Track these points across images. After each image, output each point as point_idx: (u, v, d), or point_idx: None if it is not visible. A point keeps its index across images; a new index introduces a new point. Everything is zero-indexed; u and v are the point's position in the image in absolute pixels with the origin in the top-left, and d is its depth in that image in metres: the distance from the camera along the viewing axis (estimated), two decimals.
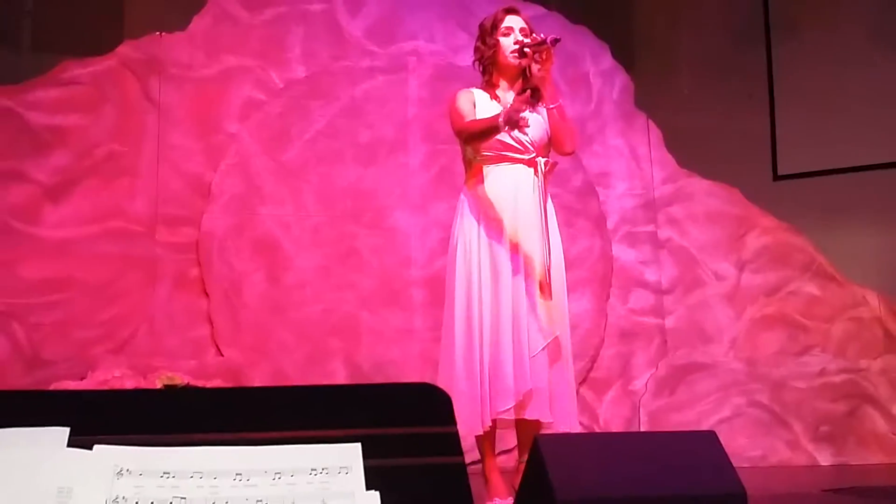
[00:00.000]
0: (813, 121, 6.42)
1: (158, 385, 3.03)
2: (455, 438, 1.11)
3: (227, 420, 1.07)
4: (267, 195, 4.45)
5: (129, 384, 3.08)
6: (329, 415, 1.08)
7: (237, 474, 1.02)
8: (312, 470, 1.02)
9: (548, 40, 3.06)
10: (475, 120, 3.13)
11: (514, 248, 3.11)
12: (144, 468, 1.04)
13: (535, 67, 3.11)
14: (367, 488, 1.02)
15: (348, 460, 1.03)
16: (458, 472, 1.11)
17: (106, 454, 1.06)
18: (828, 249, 5.02)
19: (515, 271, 3.10)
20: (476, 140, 3.14)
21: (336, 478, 1.01)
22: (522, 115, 2.94)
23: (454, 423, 1.12)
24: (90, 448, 1.07)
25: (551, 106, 3.13)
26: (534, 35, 3.15)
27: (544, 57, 3.08)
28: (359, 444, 1.03)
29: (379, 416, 1.07)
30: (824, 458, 4.53)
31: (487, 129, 3.06)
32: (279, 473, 1.02)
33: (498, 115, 3.00)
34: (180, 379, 3.10)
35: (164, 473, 1.04)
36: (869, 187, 6.07)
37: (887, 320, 4.78)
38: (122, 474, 1.04)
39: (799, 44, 6.55)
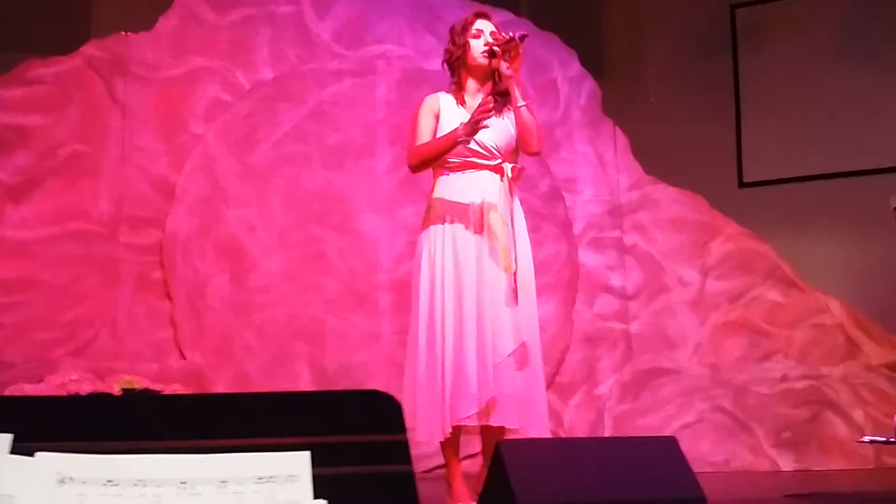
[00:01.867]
0: (778, 129, 6.49)
1: (116, 389, 2.99)
2: (404, 446, 1.10)
3: (173, 427, 1.06)
4: (232, 197, 4.41)
5: (86, 388, 3.04)
6: (278, 422, 1.07)
7: (182, 483, 1.01)
8: (259, 478, 1.01)
9: (516, 36, 3.07)
10: (433, 142, 3.14)
11: (480, 254, 3.11)
12: (87, 476, 1.03)
13: (503, 66, 3.11)
14: (316, 497, 1.01)
15: (296, 469, 1.02)
16: (407, 481, 1.10)
17: (48, 461, 1.04)
18: (791, 256, 5.07)
19: (480, 278, 3.09)
20: (432, 163, 3.16)
21: (283, 486, 1.00)
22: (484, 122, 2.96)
23: (404, 430, 1.12)
24: (32, 455, 1.06)
25: (520, 104, 3.13)
26: (502, 34, 3.16)
27: (513, 55, 3.09)
28: (307, 453, 1.02)
29: (329, 423, 1.06)
30: (786, 464, 4.57)
31: (448, 148, 3.10)
32: (225, 482, 1.01)
33: (456, 130, 3.03)
34: (138, 383, 3.06)
35: (108, 481, 1.02)
36: (833, 195, 6.14)
37: (849, 327, 4.83)
38: (64, 482, 1.03)
39: (765, 53, 6.62)
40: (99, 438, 1.07)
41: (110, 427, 1.10)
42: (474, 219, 3.12)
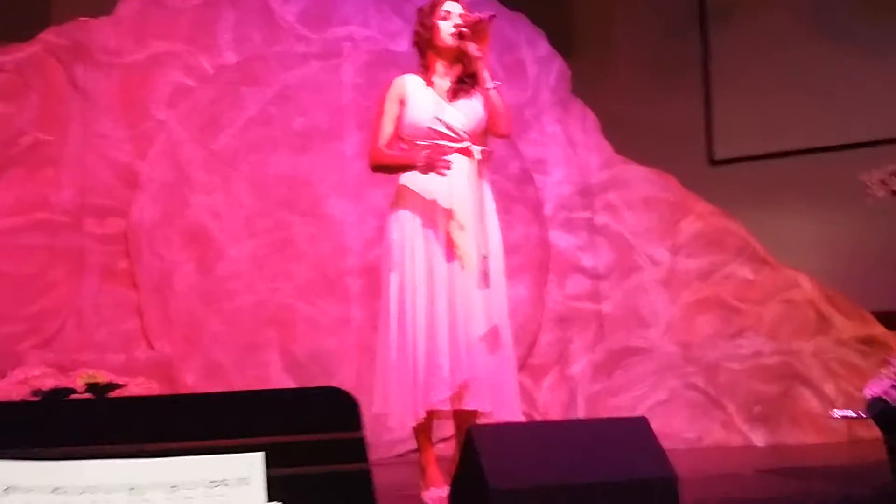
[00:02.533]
0: (749, 106, 6.50)
1: (80, 384, 2.95)
2: (361, 444, 1.07)
3: (123, 431, 1.02)
4: (198, 184, 4.35)
5: (49, 383, 2.99)
6: (231, 423, 1.04)
7: (131, 489, 0.98)
8: (211, 482, 0.98)
9: (484, 17, 3.05)
10: (394, 157, 3.15)
11: (450, 238, 3.09)
12: (34, 484, 0.99)
13: (472, 47, 3.08)
14: (270, 499, 0.98)
15: (249, 471, 0.99)
16: (363, 479, 1.08)
17: None
18: (761, 233, 5.09)
19: (450, 261, 3.08)
20: (385, 170, 3.20)
21: (235, 490, 0.97)
22: (445, 157, 3.00)
23: (361, 427, 1.09)
24: None
25: (490, 86, 3.10)
26: (470, 15, 3.13)
27: (481, 36, 3.07)
28: (260, 454, 0.99)
29: (284, 422, 1.04)
30: (758, 439, 4.60)
31: (402, 168, 3.13)
32: (175, 487, 0.98)
33: (417, 158, 3.04)
34: (102, 377, 3.01)
35: (55, 489, 0.98)
36: (802, 171, 6.18)
37: (819, 302, 4.86)
38: (10, 491, 0.99)
39: (734, 30, 6.62)
40: (45, 444, 1.03)
41: (58, 432, 1.06)
42: (443, 203, 3.10)
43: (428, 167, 3.02)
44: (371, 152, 3.21)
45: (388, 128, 3.17)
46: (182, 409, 1.09)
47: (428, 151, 3.03)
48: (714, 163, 6.54)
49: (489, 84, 3.09)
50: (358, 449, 1.09)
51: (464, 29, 3.08)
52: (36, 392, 2.92)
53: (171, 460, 1.01)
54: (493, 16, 3.07)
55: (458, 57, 3.16)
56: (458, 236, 3.08)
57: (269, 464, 1.01)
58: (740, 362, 4.70)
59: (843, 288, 5.03)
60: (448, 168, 3.01)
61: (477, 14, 3.10)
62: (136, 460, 1.00)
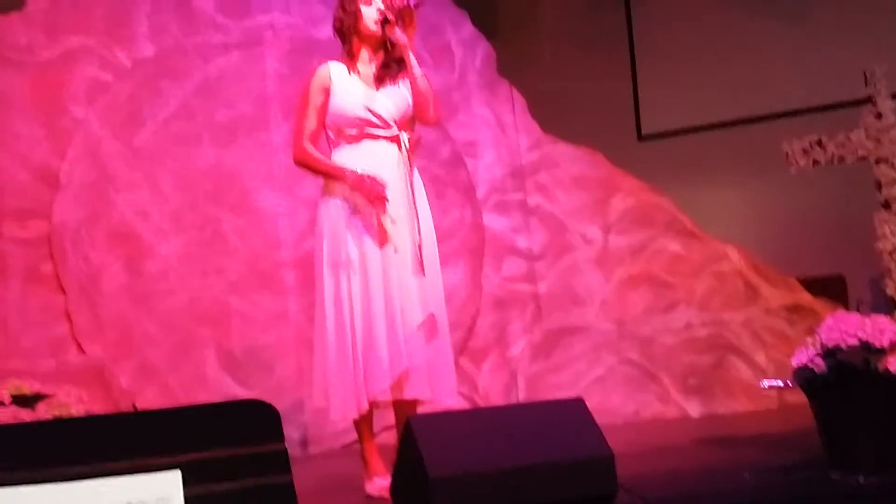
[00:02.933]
0: (674, 80, 6.58)
1: (5, 395, 2.86)
2: (283, 456, 1.06)
3: (35, 456, 0.98)
4: (121, 182, 4.24)
5: None
6: (150, 442, 1.01)
7: None
8: None
9: (410, 4, 3.01)
10: (322, 161, 3.10)
11: (382, 226, 3.07)
12: None
13: (398, 34, 3.04)
14: None
15: (166, 490, 0.96)
16: (286, 492, 1.06)
17: None
18: (689, 207, 5.17)
19: (383, 250, 3.05)
20: (308, 169, 3.16)
21: None
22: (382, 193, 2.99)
23: (282, 439, 1.07)
24: None
25: (418, 73, 3.07)
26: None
27: (407, 22, 3.03)
28: (178, 472, 0.96)
29: (203, 438, 1.01)
30: (694, 410, 4.69)
31: (326, 175, 3.10)
32: None
33: (347, 172, 3.01)
34: (28, 388, 2.93)
35: None
36: (728, 143, 6.28)
37: (747, 273, 4.95)
38: None
39: (657, 4, 6.68)
40: None
41: None
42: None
43: (355, 188, 3.01)
44: (295, 148, 3.15)
45: (312, 121, 3.12)
46: (97, 430, 1.05)
47: (366, 181, 2.99)
48: (642, 138, 6.61)
49: (417, 71, 3.06)
50: (281, 461, 1.06)
51: (389, 16, 3.04)
52: None
53: (85, 483, 0.98)
54: (420, 2, 3.04)
55: (383, 43, 3.12)
56: (389, 224, 3.06)
57: (190, 481, 0.99)
58: (674, 335, 4.78)
59: (770, 257, 5.14)
60: (384, 208, 3.00)
61: (399, 1, 3.05)
62: (49, 485, 0.97)
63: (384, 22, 3.06)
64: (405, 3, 3.03)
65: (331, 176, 3.08)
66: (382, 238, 3.04)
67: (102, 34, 4.34)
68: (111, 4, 4.38)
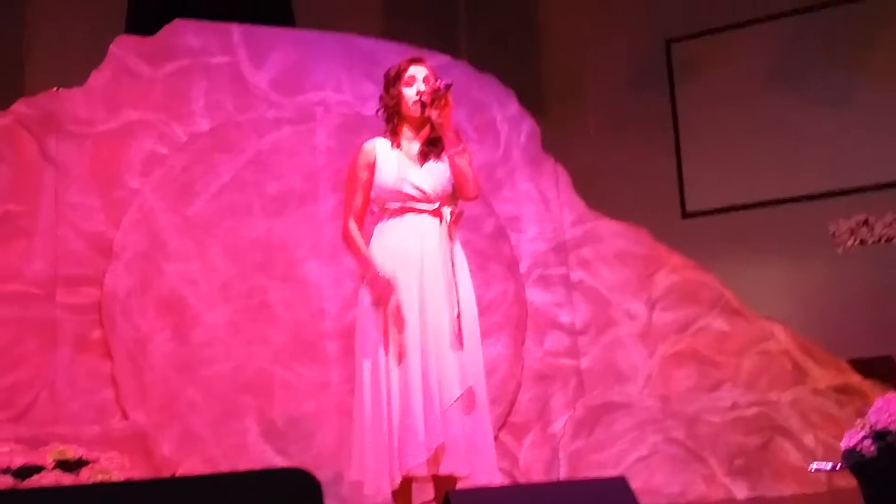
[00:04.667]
0: (718, 158, 6.61)
1: (49, 460, 2.89)
2: None
3: None
4: (172, 251, 4.33)
5: (18, 460, 2.93)
6: None
7: None
8: None
9: (440, 86, 3.11)
10: (358, 247, 3.22)
11: (422, 300, 3.10)
12: None
13: (434, 114, 3.15)
14: None
15: None
16: None
17: None
18: (735, 285, 5.13)
19: (423, 324, 3.08)
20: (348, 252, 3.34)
21: None
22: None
23: None
24: None
25: (452, 152, 3.15)
26: (430, 82, 3.19)
27: (442, 104, 3.13)
28: None
29: None
30: (740, 492, 4.58)
31: (358, 261, 3.24)
32: None
33: (370, 266, 3.13)
34: (72, 453, 2.96)
35: None
36: (773, 222, 6.27)
37: (795, 352, 4.88)
38: None
39: (701, 85, 6.77)
40: None
41: None
42: (414, 264, 3.12)
43: (370, 286, 3.13)
44: (343, 227, 3.27)
45: (358, 199, 3.23)
46: (140, 496, 1.07)
47: (378, 281, 3.10)
48: (686, 215, 6.61)
49: (453, 149, 3.15)
50: None
51: (424, 99, 3.15)
52: (5, 470, 2.87)
53: None
54: (450, 85, 3.14)
55: (424, 121, 3.22)
56: (429, 297, 3.09)
57: None
58: (719, 415, 4.69)
59: (817, 337, 5.06)
60: (385, 310, 3.08)
61: (434, 84, 3.16)
62: None
63: (421, 105, 3.16)
64: (436, 86, 3.13)
65: (359, 263, 3.21)
66: (421, 310, 3.07)
67: (160, 109, 4.48)
68: (169, 82, 4.54)
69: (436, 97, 3.13)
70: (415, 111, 3.20)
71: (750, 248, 6.20)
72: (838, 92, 6.25)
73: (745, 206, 6.45)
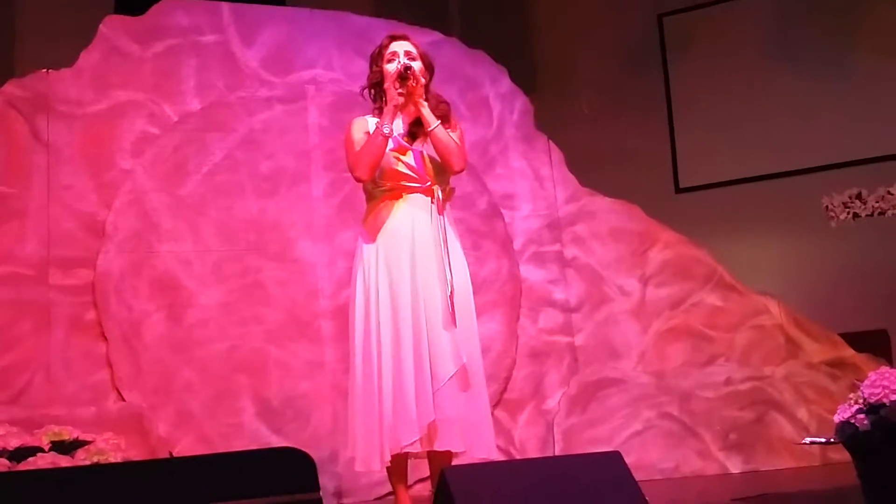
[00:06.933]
0: (711, 133, 6.60)
1: (45, 441, 2.90)
2: None
3: (73, 501, 1.00)
4: (165, 232, 4.32)
5: (14, 442, 2.93)
6: (186, 489, 1.02)
7: None
8: None
9: (401, 68, 3.12)
10: (362, 147, 3.15)
11: (414, 279, 3.10)
12: None
13: (402, 93, 3.12)
14: None
15: None
16: None
17: None
18: (728, 259, 5.14)
19: (415, 303, 3.08)
20: (373, 162, 3.13)
21: None
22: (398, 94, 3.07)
23: (318, 488, 1.08)
24: None
25: (431, 128, 3.14)
26: (400, 63, 3.15)
27: (412, 84, 3.10)
28: None
29: (239, 486, 1.02)
30: (735, 466, 4.61)
31: (378, 144, 3.10)
32: None
33: (376, 127, 3.09)
34: (68, 434, 2.96)
35: None
36: (766, 196, 6.27)
37: (788, 327, 4.89)
38: None
39: (694, 59, 6.74)
40: None
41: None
42: (406, 244, 3.12)
43: (389, 114, 3.10)
44: (350, 166, 3.19)
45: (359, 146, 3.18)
46: (136, 476, 1.07)
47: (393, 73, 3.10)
48: (679, 191, 6.61)
49: (431, 126, 3.13)
50: None
51: (396, 82, 3.12)
52: (1, 452, 2.87)
53: None
54: (409, 67, 3.12)
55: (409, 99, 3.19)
56: (421, 276, 3.09)
57: None
58: (713, 390, 4.72)
59: (810, 311, 5.08)
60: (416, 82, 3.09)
61: (399, 65, 3.13)
62: None
63: (400, 83, 3.12)
64: (398, 69, 3.12)
65: (374, 141, 3.10)
66: (413, 288, 3.05)
67: (150, 89, 4.46)
68: (159, 61, 4.51)
69: (400, 78, 3.11)
70: (393, 90, 3.17)
71: (743, 223, 6.20)
72: (831, 65, 6.23)
73: (738, 181, 6.44)
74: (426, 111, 3.15)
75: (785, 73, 6.36)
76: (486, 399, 3.22)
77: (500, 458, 4.34)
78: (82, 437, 3.03)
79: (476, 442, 3.10)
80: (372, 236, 3.16)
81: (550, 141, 5.16)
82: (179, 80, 4.53)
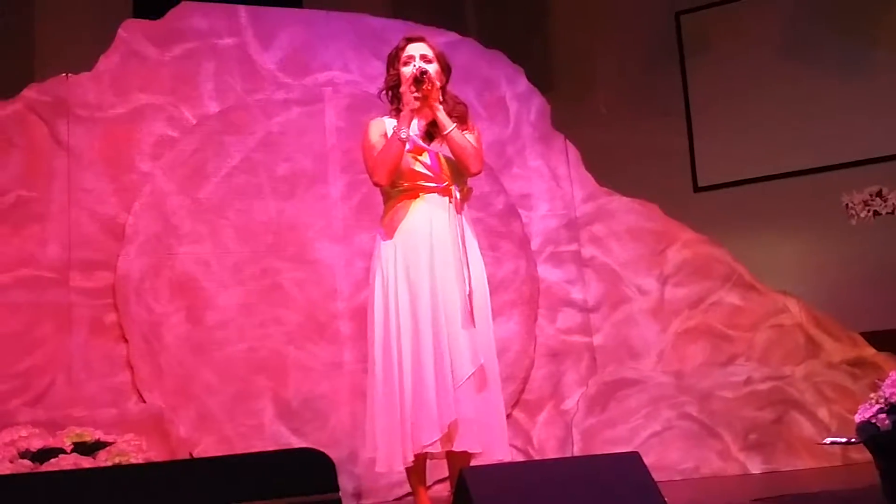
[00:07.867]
0: (730, 132, 6.57)
1: (67, 443, 2.92)
2: None
3: (95, 502, 1.01)
4: (184, 234, 4.35)
5: (36, 444, 2.96)
6: (206, 490, 1.03)
7: None
8: None
9: (417, 72, 3.13)
10: (381, 150, 3.15)
11: (433, 279, 3.10)
12: None
13: (418, 97, 3.13)
14: None
15: None
16: None
17: None
18: (747, 259, 5.11)
19: (434, 302, 3.08)
20: (391, 167, 3.13)
21: None
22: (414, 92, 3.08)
23: (336, 489, 1.09)
24: None
25: (446, 132, 3.14)
26: (416, 67, 3.16)
27: (427, 88, 3.11)
28: None
29: (259, 486, 1.03)
30: (755, 467, 4.58)
31: (393, 147, 3.11)
32: None
33: (394, 131, 3.09)
34: (90, 435, 2.99)
35: None
36: (785, 195, 6.23)
37: (808, 326, 4.86)
38: None
39: (712, 57, 6.71)
40: None
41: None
42: (424, 243, 3.12)
43: (406, 118, 3.10)
44: (369, 169, 3.21)
45: (377, 148, 3.19)
46: (157, 477, 1.08)
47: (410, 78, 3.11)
48: (698, 189, 6.58)
49: (446, 129, 3.13)
50: None
51: (412, 86, 3.13)
52: (24, 454, 2.90)
53: None
54: (425, 72, 3.13)
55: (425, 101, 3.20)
56: (440, 276, 3.09)
57: None
58: (733, 390, 4.69)
59: (830, 310, 5.04)
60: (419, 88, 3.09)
61: (413, 70, 3.14)
62: None
63: (416, 86, 3.13)
64: (414, 73, 3.13)
65: (392, 144, 3.11)
66: (432, 289, 3.06)
67: (169, 93, 4.49)
68: (178, 65, 4.54)
69: (415, 82, 3.12)
70: (409, 93, 3.18)
71: (762, 222, 6.16)
72: (850, 62, 6.19)
73: (757, 179, 6.41)
74: (442, 115, 3.15)
75: (803, 70, 6.31)
76: (501, 401, 3.22)
77: (517, 457, 4.35)
78: (104, 438, 3.05)
79: (492, 443, 3.11)
80: (389, 235, 3.17)
81: (567, 140, 5.15)
82: (197, 83, 4.56)
